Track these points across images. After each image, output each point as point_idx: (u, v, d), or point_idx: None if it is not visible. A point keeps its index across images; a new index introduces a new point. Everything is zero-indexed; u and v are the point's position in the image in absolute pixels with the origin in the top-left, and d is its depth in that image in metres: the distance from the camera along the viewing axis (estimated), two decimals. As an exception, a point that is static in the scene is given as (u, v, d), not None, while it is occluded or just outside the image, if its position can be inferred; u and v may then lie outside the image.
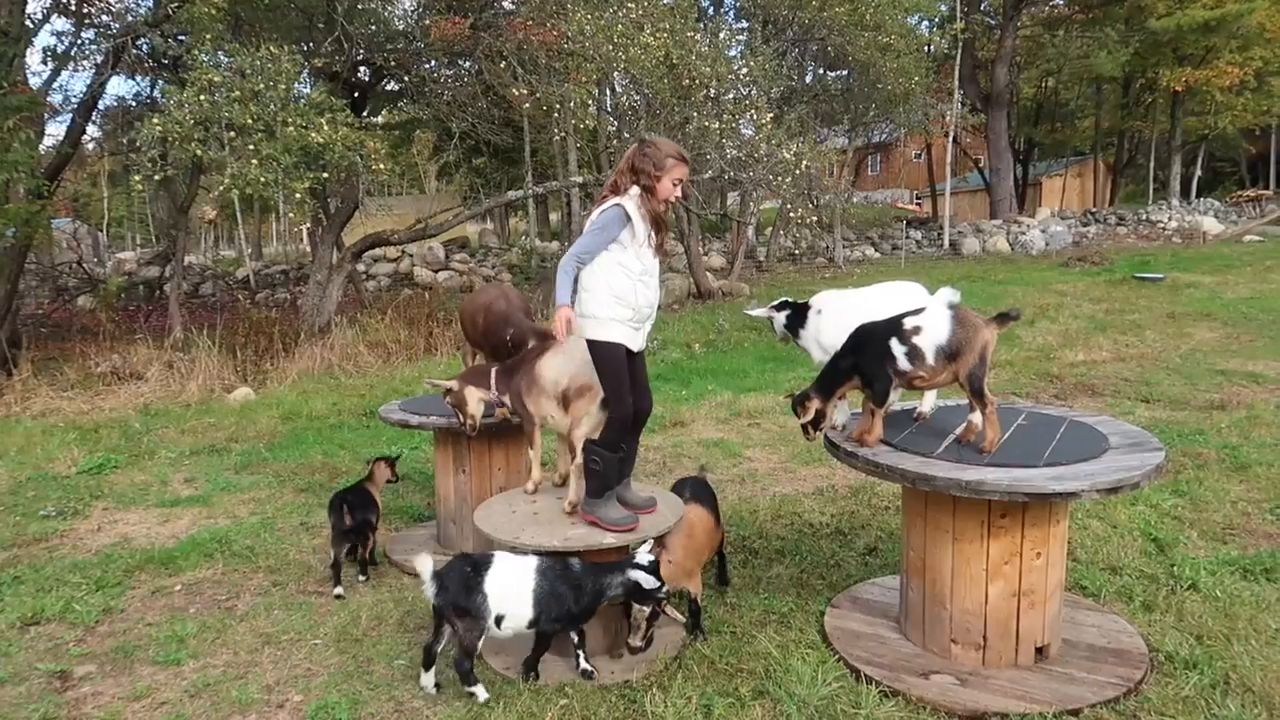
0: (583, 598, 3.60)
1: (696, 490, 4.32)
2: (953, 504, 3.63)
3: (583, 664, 3.73)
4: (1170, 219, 28.91)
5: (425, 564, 3.55)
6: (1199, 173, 36.72)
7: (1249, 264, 17.80)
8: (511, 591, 3.53)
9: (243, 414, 9.05)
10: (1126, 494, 3.91)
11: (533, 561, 3.63)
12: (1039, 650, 3.67)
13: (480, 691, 3.54)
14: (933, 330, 3.63)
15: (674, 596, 4.35)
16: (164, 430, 8.55)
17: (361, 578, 4.85)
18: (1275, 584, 4.33)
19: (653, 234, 3.85)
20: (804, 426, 3.96)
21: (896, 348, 3.67)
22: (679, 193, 3.90)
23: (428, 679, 3.65)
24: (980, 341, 3.58)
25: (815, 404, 3.88)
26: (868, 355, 3.77)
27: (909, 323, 3.69)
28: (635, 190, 3.78)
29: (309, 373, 11.11)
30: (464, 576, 3.51)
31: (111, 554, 5.36)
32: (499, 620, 3.51)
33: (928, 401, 4.25)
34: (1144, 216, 29.61)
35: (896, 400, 4.35)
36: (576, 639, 3.74)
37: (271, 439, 8.06)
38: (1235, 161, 42.37)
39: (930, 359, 3.63)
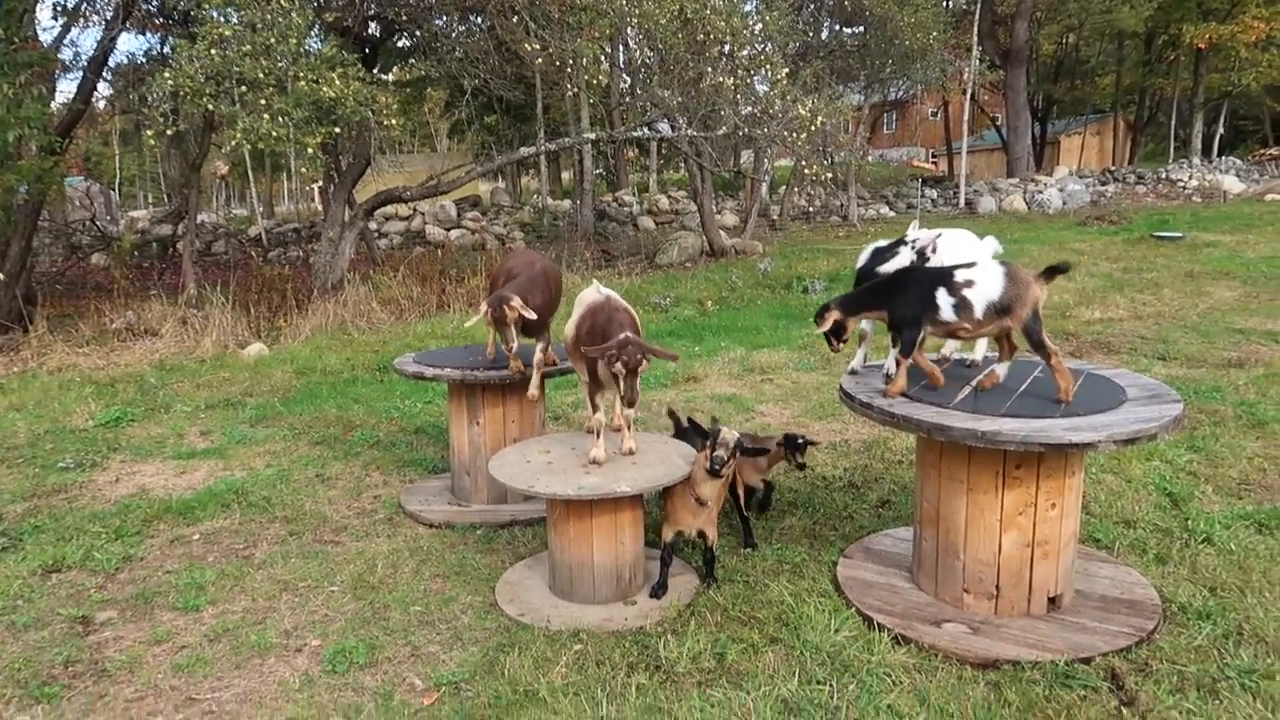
0: None
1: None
2: (968, 455, 3.62)
3: None
4: (1190, 178, 28.50)
5: None
6: (1221, 131, 36.08)
7: (1270, 223, 17.56)
8: None
9: (257, 369, 9.09)
10: (1143, 445, 3.89)
11: None
12: (1052, 600, 3.68)
13: None
14: (985, 285, 3.56)
15: (687, 545, 4.39)
16: (179, 385, 8.60)
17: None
18: (1290, 538, 4.32)
19: None
20: (825, 337, 3.93)
21: (943, 299, 3.60)
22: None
23: None
24: (1032, 296, 3.54)
25: (834, 315, 3.81)
26: (905, 300, 3.68)
27: (960, 275, 3.62)
28: None
29: (322, 329, 11.14)
30: None
31: (130, 504, 5.42)
32: None
33: (950, 345, 4.26)
34: (1164, 175, 29.19)
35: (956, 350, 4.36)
36: None
37: (286, 393, 8.09)
38: (1259, 119, 41.54)
39: (979, 313, 3.57)
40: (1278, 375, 7.08)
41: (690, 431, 4.78)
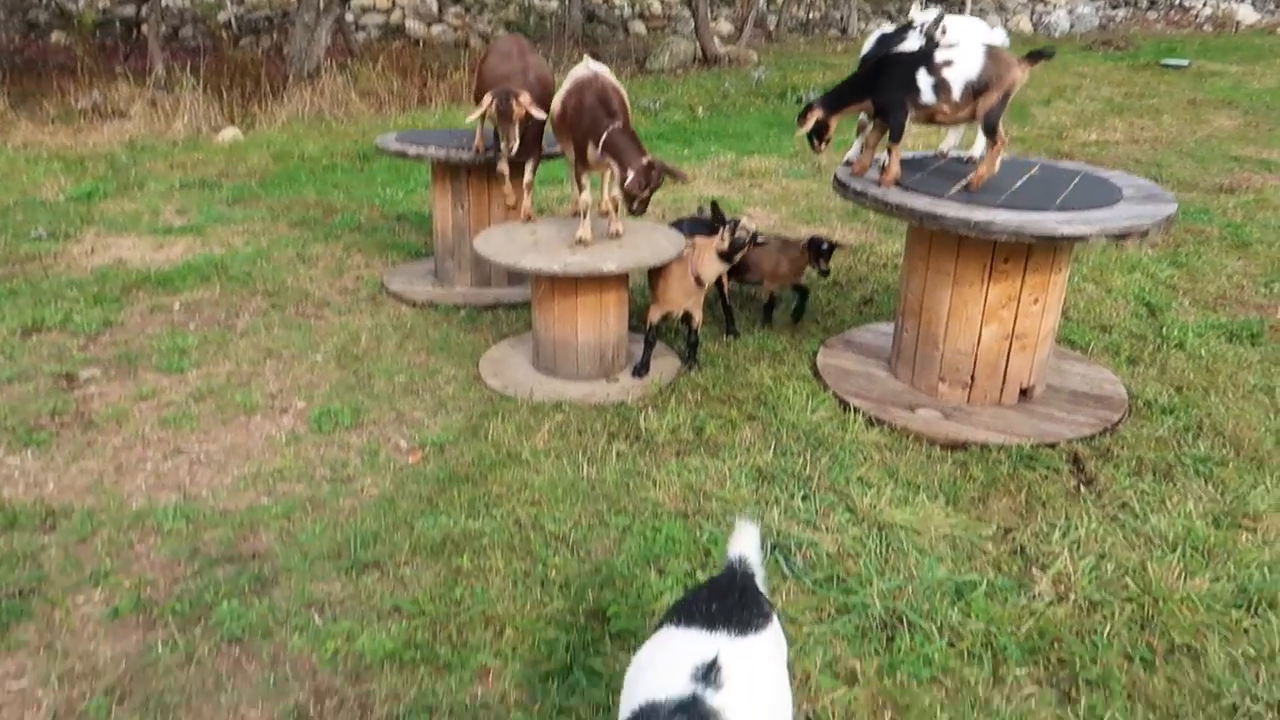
0: None
1: (695, 226, 4.31)
2: (957, 247, 3.60)
3: None
4: (1204, 5, 27.34)
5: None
6: (1242, -42, 34.40)
7: None
8: None
9: (232, 153, 8.80)
10: (1135, 241, 3.90)
11: None
12: (1023, 391, 3.77)
13: None
14: (964, 64, 3.49)
15: (669, 331, 4.43)
16: (151, 164, 8.33)
17: None
18: (1259, 347, 4.41)
19: None
20: (808, 139, 3.87)
21: (923, 80, 3.53)
22: None
23: None
24: (1010, 79, 3.49)
25: (816, 114, 3.77)
26: (890, 85, 3.61)
27: (940, 56, 3.53)
28: None
29: (298, 116, 10.73)
30: None
31: (107, 273, 5.35)
32: None
33: (949, 141, 4.18)
34: (1177, 2, 28.00)
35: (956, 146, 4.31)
36: None
37: (263, 176, 7.87)
38: (1283, -52, 39.60)
39: (957, 94, 3.51)
40: (1267, 200, 7.05)
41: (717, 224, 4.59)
